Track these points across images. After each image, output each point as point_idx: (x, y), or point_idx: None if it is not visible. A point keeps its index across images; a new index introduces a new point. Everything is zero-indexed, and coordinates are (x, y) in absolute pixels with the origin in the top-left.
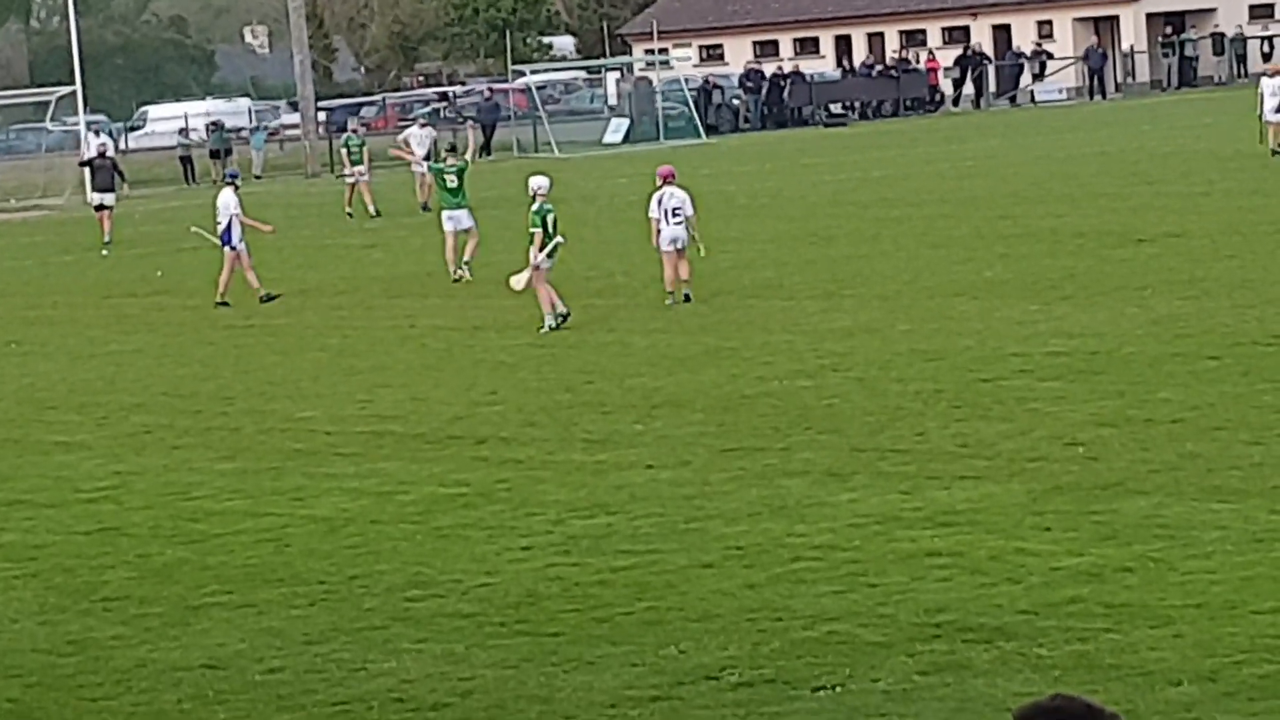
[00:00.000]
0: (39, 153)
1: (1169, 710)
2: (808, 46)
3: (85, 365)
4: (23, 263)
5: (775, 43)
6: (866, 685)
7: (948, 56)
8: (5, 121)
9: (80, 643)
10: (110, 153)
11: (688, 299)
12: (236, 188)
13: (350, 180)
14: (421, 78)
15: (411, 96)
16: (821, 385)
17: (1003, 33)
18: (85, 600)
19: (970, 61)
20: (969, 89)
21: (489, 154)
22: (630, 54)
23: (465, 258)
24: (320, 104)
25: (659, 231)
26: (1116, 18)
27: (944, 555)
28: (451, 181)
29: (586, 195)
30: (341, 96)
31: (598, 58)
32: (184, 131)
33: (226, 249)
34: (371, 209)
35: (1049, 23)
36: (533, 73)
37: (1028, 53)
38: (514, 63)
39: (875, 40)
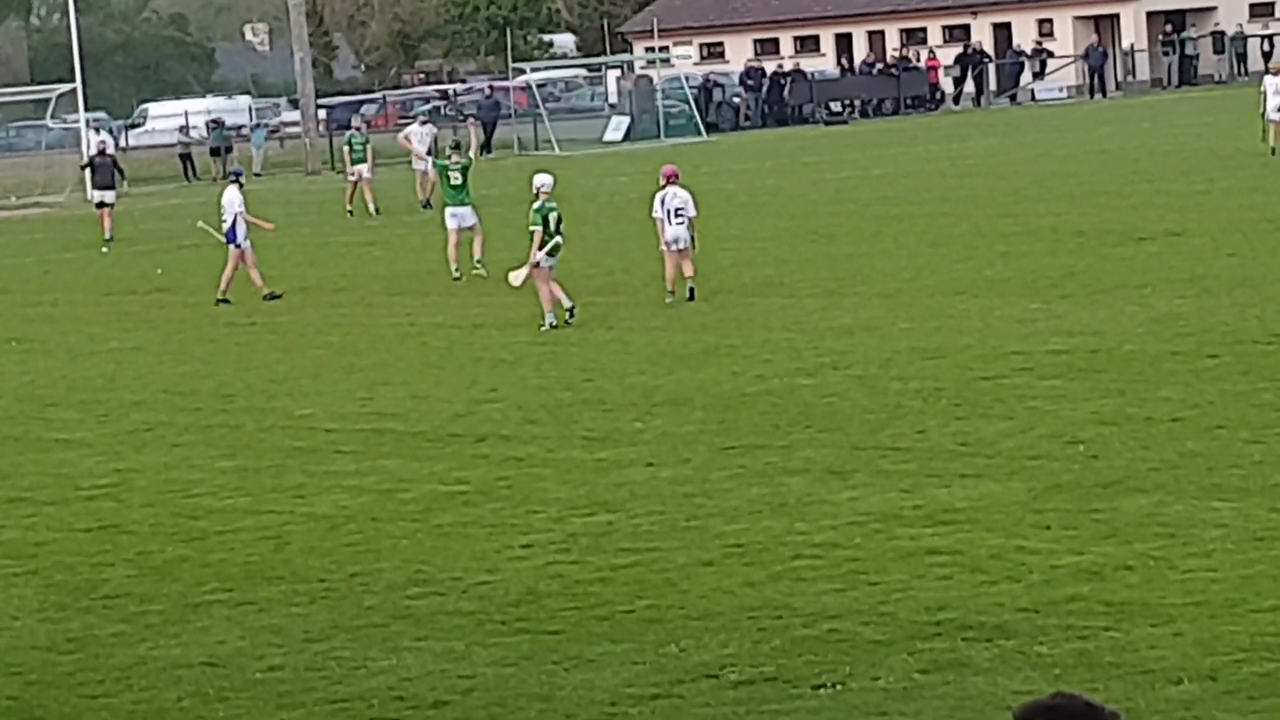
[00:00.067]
0: (39, 150)
1: (1169, 708)
2: (808, 45)
3: (85, 363)
4: (23, 260)
5: (776, 41)
6: (867, 683)
7: (948, 55)
8: (5, 119)
9: (80, 640)
10: (110, 150)
11: (692, 296)
12: (241, 185)
13: (352, 178)
14: (422, 75)
15: (412, 94)
16: (822, 383)
17: (1003, 31)
18: (85, 598)
19: (971, 60)
20: (969, 87)
21: (489, 152)
22: (631, 52)
23: (476, 255)
24: (320, 102)
25: (664, 231)
26: (1117, 16)
27: (944, 553)
28: (456, 179)
29: (587, 193)
30: (342, 94)
31: (598, 55)
32: (184, 129)
33: (231, 247)
34: (372, 207)
35: (1049, 21)
36: (533, 70)
37: (1028, 51)
38: (514, 60)
39: (876, 38)
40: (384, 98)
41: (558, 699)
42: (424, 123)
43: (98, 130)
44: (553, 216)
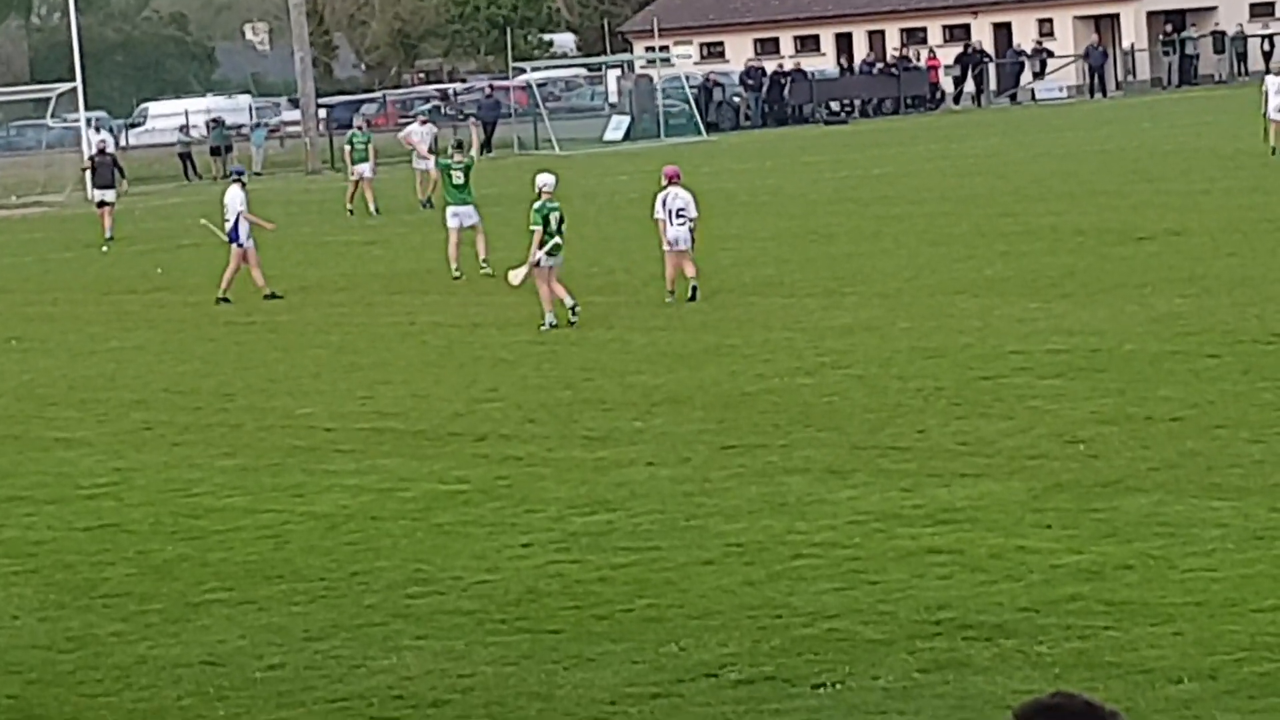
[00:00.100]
0: (39, 149)
1: (1169, 708)
2: (808, 44)
3: (86, 362)
4: (23, 259)
5: (776, 40)
6: (866, 683)
7: (948, 54)
8: (6, 118)
9: (80, 639)
10: (110, 149)
11: (694, 296)
12: (243, 184)
13: (354, 177)
14: (422, 75)
15: (412, 93)
16: (822, 382)
17: (1003, 31)
18: (85, 597)
19: (971, 59)
20: (970, 87)
21: (490, 151)
22: (631, 51)
23: (481, 255)
24: (321, 101)
25: (666, 232)
26: (1117, 16)
27: (944, 553)
28: (458, 178)
29: (587, 193)
30: (342, 94)
31: (598, 55)
32: (184, 128)
33: (234, 246)
34: (372, 207)
35: (1049, 21)
36: (533, 70)
37: (1028, 50)
38: (515, 60)
39: (876, 38)
40: (384, 97)
41: (557, 698)
42: (424, 122)
43: (98, 129)
44: (554, 216)
